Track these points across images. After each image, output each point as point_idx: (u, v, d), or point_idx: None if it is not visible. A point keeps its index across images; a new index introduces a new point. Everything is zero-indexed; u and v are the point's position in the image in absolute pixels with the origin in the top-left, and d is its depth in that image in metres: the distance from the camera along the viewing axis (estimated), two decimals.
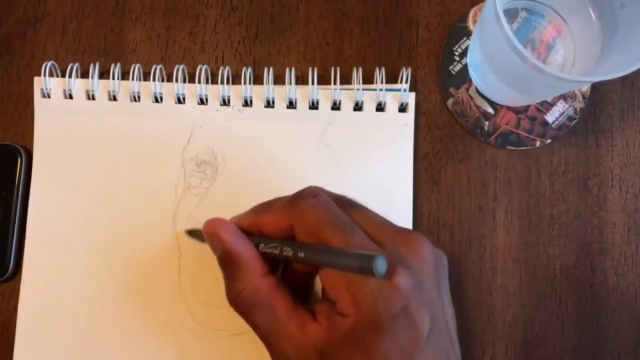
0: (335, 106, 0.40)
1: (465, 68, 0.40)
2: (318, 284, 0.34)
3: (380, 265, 0.24)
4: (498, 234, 0.40)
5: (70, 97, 0.40)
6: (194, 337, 0.38)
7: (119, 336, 0.38)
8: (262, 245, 0.31)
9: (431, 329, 0.28)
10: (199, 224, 0.39)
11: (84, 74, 0.40)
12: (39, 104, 0.40)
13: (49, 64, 0.40)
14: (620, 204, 0.40)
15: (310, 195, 0.29)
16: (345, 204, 0.30)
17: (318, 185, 0.31)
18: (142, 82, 0.40)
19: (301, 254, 0.28)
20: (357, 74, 0.39)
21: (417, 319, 0.27)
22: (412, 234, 0.30)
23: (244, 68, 0.40)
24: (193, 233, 0.38)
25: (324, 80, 0.40)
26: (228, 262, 0.30)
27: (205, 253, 0.39)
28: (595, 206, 0.40)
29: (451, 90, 0.40)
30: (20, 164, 0.40)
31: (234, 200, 0.39)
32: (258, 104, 0.40)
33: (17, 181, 0.39)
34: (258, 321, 0.30)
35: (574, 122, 0.40)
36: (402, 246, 0.29)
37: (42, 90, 0.40)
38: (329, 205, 0.29)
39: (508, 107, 0.40)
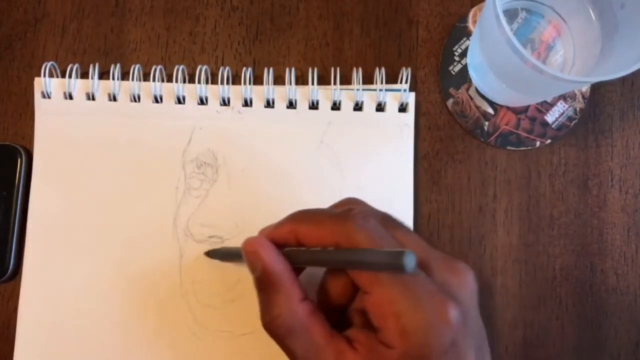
0: (335, 106, 0.40)
1: (465, 68, 0.40)
2: None
3: (410, 259, 0.24)
4: (498, 234, 0.40)
5: (70, 97, 0.40)
6: (195, 338, 0.38)
7: (119, 337, 0.38)
8: (293, 249, 0.30)
9: None
10: (199, 226, 0.39)
11: (84, 75, 0.40)
12: (39, 105, 0.40)
13: (49, 64, 0.40)
14: (620, 204, 0.40)
15: (360, 216, 0.29)
16: (390, 224, 0.30)
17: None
18: (142, 83, 0.40)
19: (331, 257, 0.28)
20: (357, 74, 0.39)
21: (464, 354, 0.27)
22: (459, 263, 0.30)
23: (244, 68, 0.40)
24: (212, 253, 0.38)
25: (324, 80, 0.40)
26: (267, 284, 0.30)
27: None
28: (595, 206, 0.40)
29: (451, 90, 0.40)
30: (20, 164, 0.40)
31: (234, 202, 0.39)
32: (258, 104, 0.40)
33: (17, 181, 0.39)
34: (295, 347, 0.29)
35: (573, 122, 0.40)
36: (449, 275, 0.29)
37: (42, 90, 0.40)
38: (379, 229, 0.29)
39: (508, 108, 0.40)
